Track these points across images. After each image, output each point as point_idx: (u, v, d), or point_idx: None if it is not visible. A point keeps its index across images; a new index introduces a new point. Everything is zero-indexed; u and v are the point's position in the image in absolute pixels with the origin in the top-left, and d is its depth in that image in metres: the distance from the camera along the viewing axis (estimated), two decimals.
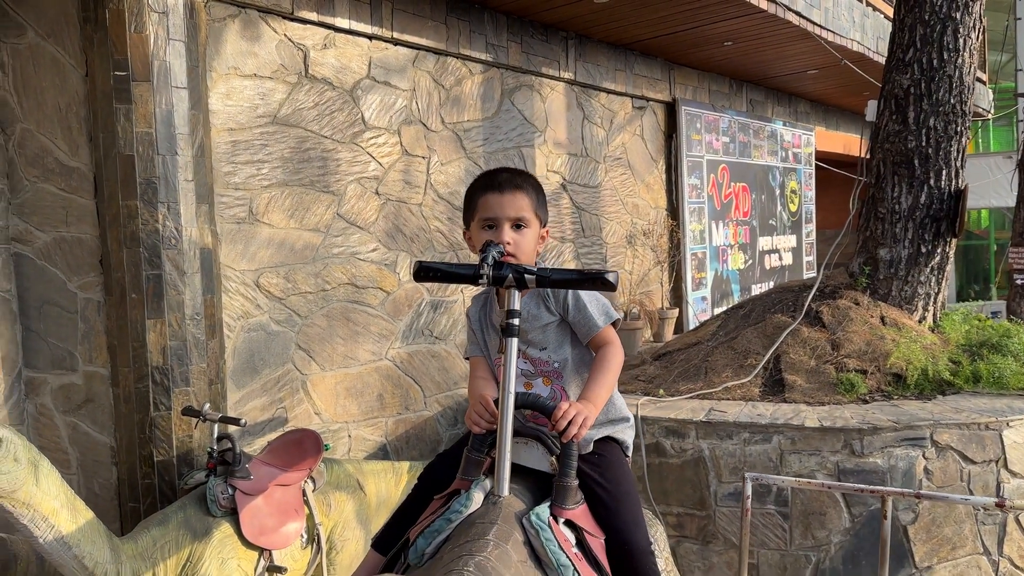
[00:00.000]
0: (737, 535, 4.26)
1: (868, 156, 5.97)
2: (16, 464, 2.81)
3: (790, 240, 11.20)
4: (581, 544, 1.55)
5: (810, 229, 11.87)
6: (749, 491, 2.12)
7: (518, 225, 1.76)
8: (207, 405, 3.85)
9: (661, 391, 5.27)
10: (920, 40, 5.53)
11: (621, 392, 5.52)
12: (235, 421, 3.64)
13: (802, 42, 7.69)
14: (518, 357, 1.75)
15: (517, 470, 1.66)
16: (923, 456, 4.04)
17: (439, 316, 5.65)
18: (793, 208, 11.26)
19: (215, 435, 3.68)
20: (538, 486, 1.65)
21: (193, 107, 4.07)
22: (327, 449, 4.02)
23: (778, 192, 10.75)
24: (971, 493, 4.10)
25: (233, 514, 3.50)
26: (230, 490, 3.51)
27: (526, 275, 1.56)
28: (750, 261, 10.12)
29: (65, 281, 4.12)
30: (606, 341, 1.79)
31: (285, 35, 4.64)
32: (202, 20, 4.18)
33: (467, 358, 1.99)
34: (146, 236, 3.96)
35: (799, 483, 2.49)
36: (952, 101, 5.51)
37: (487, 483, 1.57)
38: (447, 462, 1.71)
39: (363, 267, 5.12)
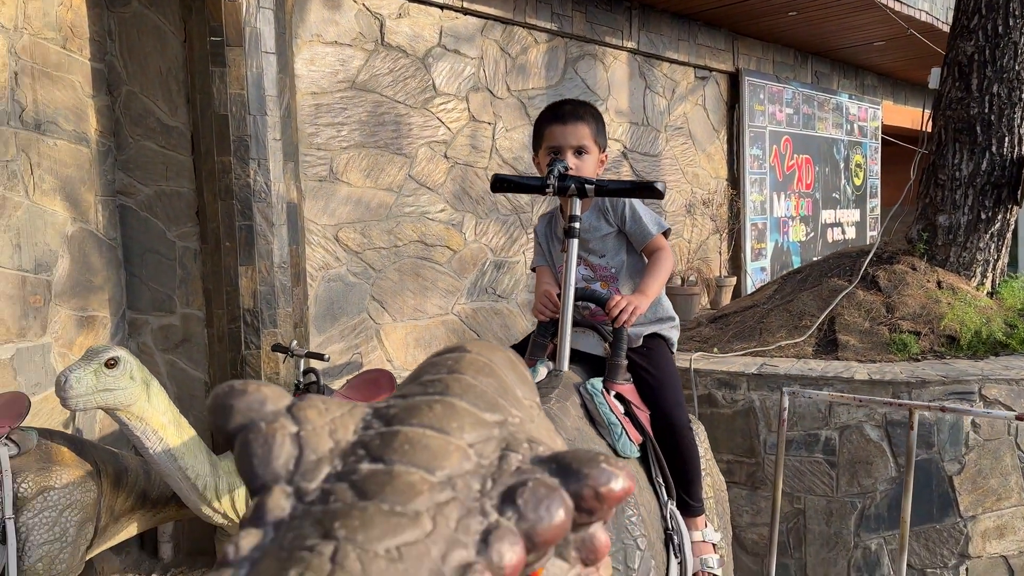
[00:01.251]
0: (786, 481, 4.45)
1: (930, 127, 6.00)
2: (132, 381, 3.19)
3: (854, 214, 11.14)
4: (629, 414, 1.81)
5: (875, 204, 11.77)
6: (786, 403, 2.34)
7: (579, 151, 2.01)
8: (294, 342, 4.21)
9: (715, 350, 5.46)
10: (985, 6, 5.54)
11: (677, 350, 5.72)
12: (320, 356, 3.99)
13: (868, 12, 7.68)
14: (580, 264, 2.02)
15: (576, 355, 1.92)
16: None
17: (502, 275, 5.93)
18: (858, 182, 11.19)
19: (301, 370, 4.04)
20: (593, 368, 1.91)
21: (280, 71, 4.41)
22: None
23: (842, 165, 10.70)
24: (1018, 448, 4.21)
25: None
26: None
27: (586, 184, 1.82)
28: (812, 234, 10.13)
29: (165, 231, 4.52)
30: (658, 247, 2.05)
31: (363, 5, 4.94)
32: None
33: (533, 269, 2.26)
34: (239, 190, 4.32)
35: (831, 396, 2.69)
36: (1016, 68, 5.51)
37: (550, 363, 1.84)
38: (520, 348, 1.99)
39: (432, 226, 5.42)
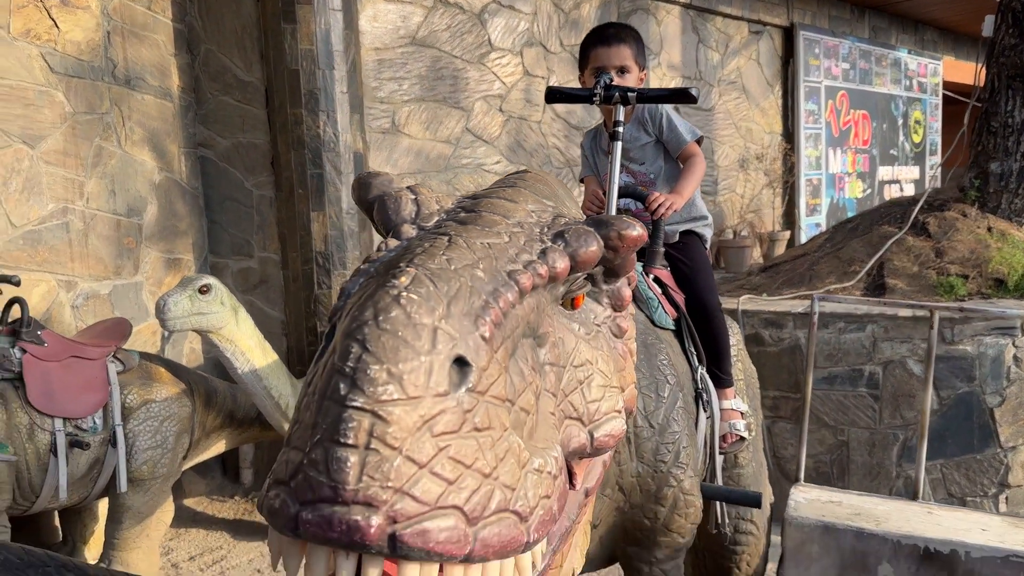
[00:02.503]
0: (830, 415, 4.63)
1: (983, 70, 6.00)
2: (222, 306, 3.54)
3: (912, 171, 11.03)
4: (666, 294, 2.05)
5: (935, 161, 11.61)
6: (816, 308, 2.55)
7: (622, 70, 2.23)
8: None
9: (765, 295, 5.62)
10: None
11: (725, 296, 5.88)
12: None
13: None
14: (622, 171, 2.25)
15: None
16: (1013, 344, 4.27)
17: None
18: (917, 139, 11.06)
19: None
20: (637, 258, 2.15)
21: (347, 27, 4.68)
22: None
23: (900, 122, 10.59)
24: None
25: None
26: None
27: (628, 92, 2.05)
28: (868, 190, 10.09)
29: (242, 180, 4.87)
30: (692, 153, 2.27)
31: None
32: None
33: (581, 180, 2.51)
34: (309, 140, 4.63)
35: (858, 302, 2.89)
36: None
37: None
38: None
39: (488, 178, 5.67)
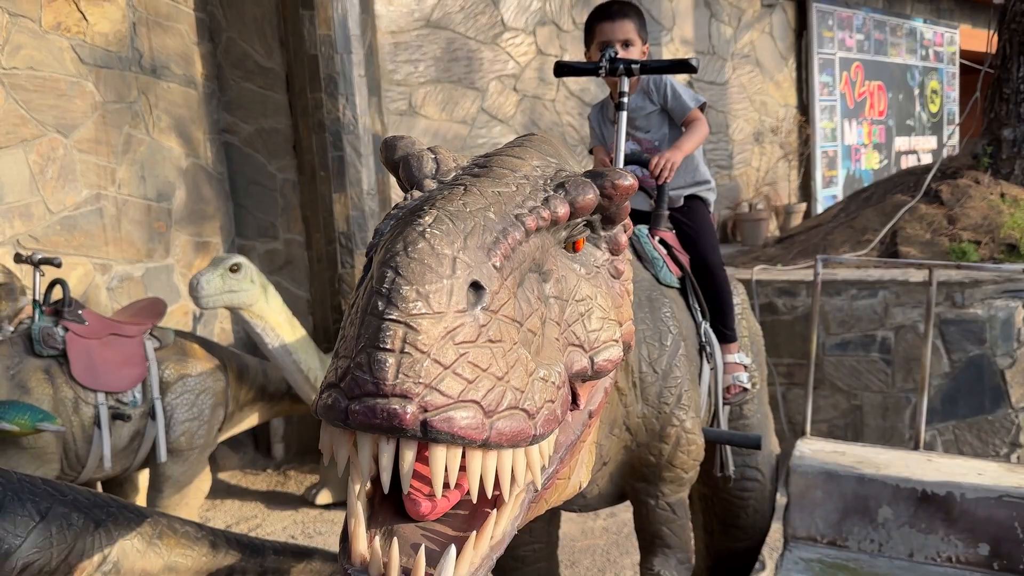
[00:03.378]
0: (843, 380, 4.73)
1: (995, 37, 6.02)
2: (252, 284, 3.70)
3: (930, 141, 11.00)
4: (671, 254, 2.17)
5: (952, 130, 11.56)
6: (820, 268, 2.65)
7: (625, 44, 2.34)
8: None
9: (779, 266, 5.71)
10: None
11: (740, 268, 5.96)
12: None
13: None
14: (628, 140, 2.37)
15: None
16: (1023, 307, 4.34)
17: None
18: (934, 109, 11.01)
19: None
20: (642, 220, 2.27)
21: (363, 11, 4.80)
22: None
23: (917, 92, 10.55)
24: None
25: None
26: None
27: (632, 65, 2.17)
28: (885, 161, 10.09)
29: (266, 164, 5.02)
30: (695, 118, 2.39)
31: None
32: None
33: (590, 150, 2.64)
34: (330, 123, 4.77)
35: (859, 261, 2.97)
36: None
37: None
38: None
39: None
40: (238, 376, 3.92)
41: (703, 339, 2.07)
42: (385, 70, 5.08)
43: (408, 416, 0.79)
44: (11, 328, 3.21)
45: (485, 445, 0.82)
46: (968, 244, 5.20)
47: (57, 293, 3.38)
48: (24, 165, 3.90)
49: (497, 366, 0.83)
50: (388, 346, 0.80)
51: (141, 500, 3.87)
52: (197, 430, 3.60)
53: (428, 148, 1.06)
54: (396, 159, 1.06)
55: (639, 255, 2.06)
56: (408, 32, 5.18)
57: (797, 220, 8.04)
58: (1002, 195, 5.64)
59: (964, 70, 11.41)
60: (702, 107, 2.42)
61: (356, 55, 4.77)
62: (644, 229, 2.17)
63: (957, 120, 11.61)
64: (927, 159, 10.92)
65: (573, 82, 6.19)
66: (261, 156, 5.03)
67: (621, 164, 2.12)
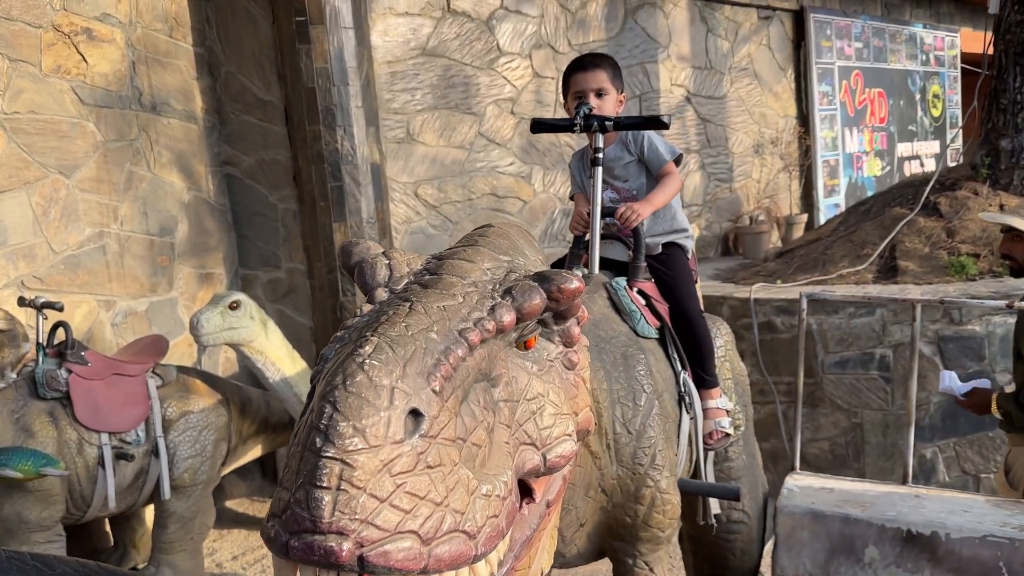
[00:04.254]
0: (843, 398, 4.74)
1: (991, 48, 6.03)
2: (252, 320, 3.76)
3: (933, 146, 10.97)
4: (649, 305, 2.21)
5: (955, 134, 11.53)
6: (805, 304, 2.68)
7: (600, 94, 2.39)
8: None
9: (779, 281, 5.73)
10: None
11: (740, 284, 5.99)
12: None
13: None
14: (607, 188, 2.42)
15: (606, 263, 2.33)
16: None
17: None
18: (936, 113, 10.99)
19: None
20: (620, 272, 2.31)
21: (359, 44, 4.86)
22: None
23: (918, 97, 10.54)
24: None
25: None
26: None
27: (605, 121, 2.21)
28: (888, 168, 10.08)
29: (267, 195, 5.08)
30: (668, 172, 2.43)
31: None
32: None
33: (571, 197, 2.68)
34: (328, 154, 4.83)
35: (845, 297, 2.98)
36: None
37: (584, 268, 2.25)
38: (561, 263, 2.42)
39: (502, 179, 5.84)
40: (241, 410, 3.98)
41: (682, 389, 2.11)
42: (382, 99, 5.14)
43: (344, 553, 0.83)
44: (14, 374, 3.28)
45: (425, 572, 0.86)
46: (967, 258, 5.21)
47: (60, 336, 3.44)
48: (27, 207, 3.97)
49: (436, 491, 0.86)
50: (325, 484, 0.83)
51: (147, 534, 3.93)
52: (200, 466, 3.65)
53: (383, 252, 1.10)
54: (352, 265, 1.11)
55: (617, 308, 2.11)
56: (404, 61, 5.24)
57: (799, 231, 8.05)
58: (1001, 207, 5.63)
59: (966, 72, 11.39)
60: (678, 159, 2.47)
61: (353, 86, 4.83)
62: (622, 281, 2.21)
63: (960, 123, 11.59)
64: (930, 164, 10.90)
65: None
66: (262, 187, 5.09)
67: (598, 219, 2.16)
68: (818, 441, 4.85)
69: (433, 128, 5.41)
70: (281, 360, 3.88)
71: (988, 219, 3.17)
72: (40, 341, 3.37)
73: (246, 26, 4.92)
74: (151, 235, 4.61)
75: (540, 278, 1.03)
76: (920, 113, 10.61)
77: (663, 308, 2.24)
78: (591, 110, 2.27)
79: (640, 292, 2.20)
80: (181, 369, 3.83)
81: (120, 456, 3.39)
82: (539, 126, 2.34)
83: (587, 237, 2.26)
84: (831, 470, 4.86)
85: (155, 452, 3.51)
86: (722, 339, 2.50)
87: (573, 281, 1.02)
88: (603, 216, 2.24)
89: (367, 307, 1.01)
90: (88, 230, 4.26)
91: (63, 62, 4.16)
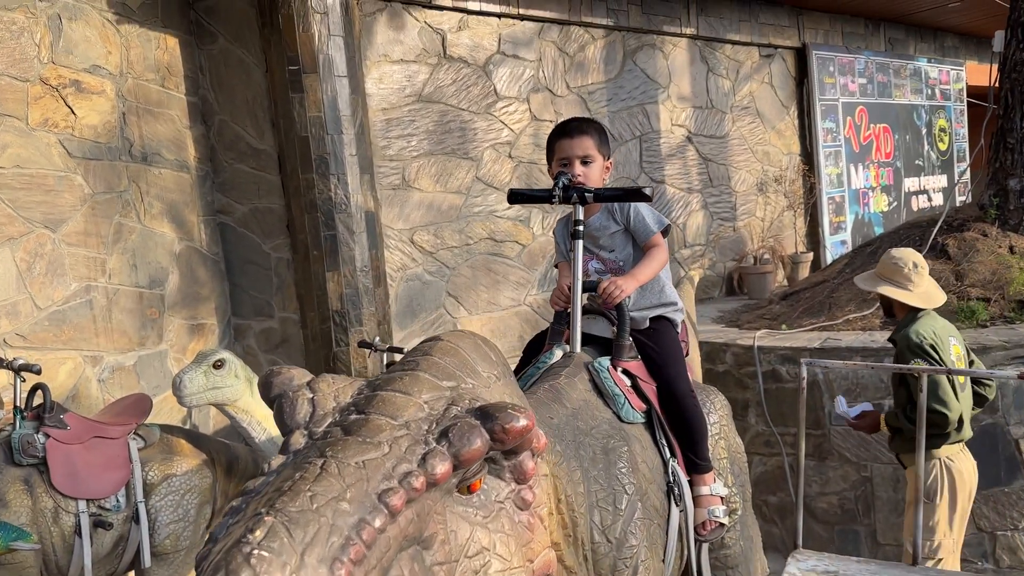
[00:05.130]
0: (852, 451, 4.59)
1: (997, 86, 5.94)
2: (236, 379, 3.65)
3: (940, 180, 10.86)
4: (635, 387, 2.08)
5: (963, 168, 11.42)
6: (804, 373, 2.55)
7: (585, 161, 2.29)
8: (377, 339, 4.61)
9: (784, 326, 5.59)
10: None
11: (745, 328, 5.86)
12: (399, 350, 4.37)
13: None
14: (592, 258, 2.31)
15: (590, 339, 2.21)
16: None
17: None
18: (943, 147, 10.89)
19: (384, 363, 4.43)
20: (605, 349, 2.19)
21: (353, 92, 4.81)
22: None
23: (924, 131, 10.45)
24: None
25: None
26: None
27: (585, 193, 2.11)
28: (895, 203, 9.96)
29: (260, 243, 5.01)
30: (655, 244, 2.31)
31: (425, 22, 5.30)
32: (356, 16, 4.89)
33: (555, 265, 2.58)
34: (322, 203, 4.75)
35: (846, 365, 2.84)
36: None
37: (566, 346, 2.14)
38: (543, 336, 2.30)
39: (500, 223, 5.75)
40: (227, 469, 3.85)
41: (671, 479, 1.98)
42: (377, 146, 5.08)
43: None
44: None
45: None
46: (977, 303, 5.07)
47: (39, 398, 3.34)
48: (11, 263, 3.89)
49: None
50: None
51: None
52: (183, 532, 3.52)
53: (307, 383, 0.98)
54: (272, 399, 0.99)
55: (599, 391, 1.99)
56: (400, 108, 5.19)
57: (805, 270, 7.92)
58: (1011, 248, 5.51)
59: (973, 104, 11.30)
60: (666, 230, 2.36)
61: (347, 135, 4.77)
62: (605, 361, 2.09)
63: (968, 157, 11.48)
64: (938, 198, 10.79)
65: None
66: (256, 236, 5.02)
67: (579, 295, 2.06)
68: (826, 495, 4.68)
69: (429, 174, 5.34)
70: (267, 419, 3.76)
71: (861, 286, 3.57)
72: (17, 404, 3.27)
73: (239, 75, 4.88)
74: (140, 287, 4.53)
75: (483, 415, 0.89)
76: (927, 147, 10.52)
77: (650, 388, 2.11)
78: (571, 180, 2.17)
79: (625, 372, 2.08)
80: (165, 428, 3.72)
81: (98, 524, 3.26)
82: (516, 197, 2.25)
83: (570, 311, 2.15)
84: (840, 525, 4.69)
85: (135, 518, 3.39)
86: (716, 414, 2.37)
87: (520, 419, 0.89)
88: (586, 290, 2.13)
89: (276, 460, 0.89)
90: (74, 285, 4.18)
91: (51, 115, 4.10)
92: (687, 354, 2.37)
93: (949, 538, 3.39)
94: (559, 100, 6.09)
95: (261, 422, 3.76)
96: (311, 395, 0.95)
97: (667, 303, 2.35)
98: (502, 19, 5.71)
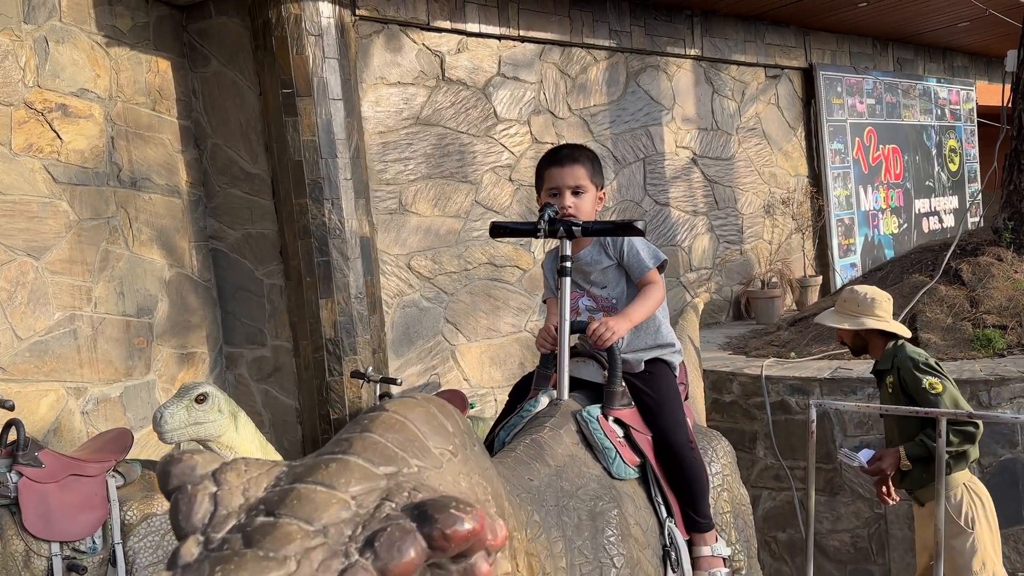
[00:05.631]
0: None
1: (1010, 106, 5.79)
2: (220, 414, 3.50)
3: (951, 201, 10.68)
4: (628, 438, 1.92)
5: (974, 188, 11.24)
6: (814, 415, 2.38)
7: (577, 191, 2.14)
8: (370, 368, 4.47)
9: (793, 354, 5.42)
10: None
11: (753, 356, 5.69)
12: (392, 381, 4.23)
13: None
14: (583, 295, 2.15)
15: (579, 383, 2.05)
16: None
17: None
18: (953, 168, 10.73)
19: (377, 394, 4.29)
20: (597, 395, 2.03)
21: (348, 115, 4.70)
22: (472, 407, 4.53)
23: (934, 152, 10.29)
24: None
25: None
26: None
27: (572, 226, 1.96)
28: (905, 225, 9.79)
29: (253, 270, 4.88)
30: (650, 280, 2.14)
31: (423, 44, 5.19)
32: (351, 38, 4.79)
33: (544, 301, 2.41)
34: (315, 228, 4.63)
35: (859, 407, 2.64)
36: None
37: (553, 392, 1.98)
38: (529, 380, 2.14)
39: (500, 248, 5.61)
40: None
41: (667, 541, 1.82)
42: (373, 170, 4.96)
43: None
44: None
45: None
46: (993, 331, 4.89)
47: (13, 435, 3.20)
48: None
49: None
50: None
51: None
52: None
53: (212, 474, 0.81)
54: (168, 491, 0.82)
55: (589, 444, 1.83)
56: (397, 131, 5.07)
57: (814, 294, 7.75)
58: None
59: (984, 124, 11.14)
60: (662, 266, 2.19)
61: (341, 158, 4.65)
62: (595, 410, 1.93)
63: (979, 177, 11.31)
64: (949, 220, 10.60)
65: None
66: (248, 262, 4.89)
67: (567, 337, 1.90)
68: (838, 532, 4.49)
69: (427, 198, 5.21)
70: (252, 455, 3.61)
71: (835, 324, 3.51)
72: None
73: (233, 98, 4.78)
74: (127, 316, 4.40)
75: (420, 516, 0.73)
76: (937, 168, 10.35)
77: (645, 439, 1.95)
78: (557, 213, 2.02)
79: (617, 421, 1.92)
80: (146, 464, 3.57)
81: (72, 568, 3.11)
82: (499, 230, 2.11)
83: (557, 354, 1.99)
84: (853, 564, 4.50)
85: (112, 560, 3.23)
86: (719, 462, 2.20)
87: (465, 521, 0.73)
88: (575, 331, 1.98)
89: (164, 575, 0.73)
90: (57, 314, 4.05)
91: (35, 140, 4.00)
92: (687, 397, 2.21)
93: (997, 563, 3.25)
94: (560, 122, 5.97)
95: None
96: (214, 489, 0.78)
97: (664, 344, 2.18)
98: (502, 41, 5.60)
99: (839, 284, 8.38)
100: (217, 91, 4.83)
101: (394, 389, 4.54)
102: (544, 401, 1.94)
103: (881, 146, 9.32)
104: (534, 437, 1.72)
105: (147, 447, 4.32)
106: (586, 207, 2.15)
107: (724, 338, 6.51)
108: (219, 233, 4.95)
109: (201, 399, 3.44)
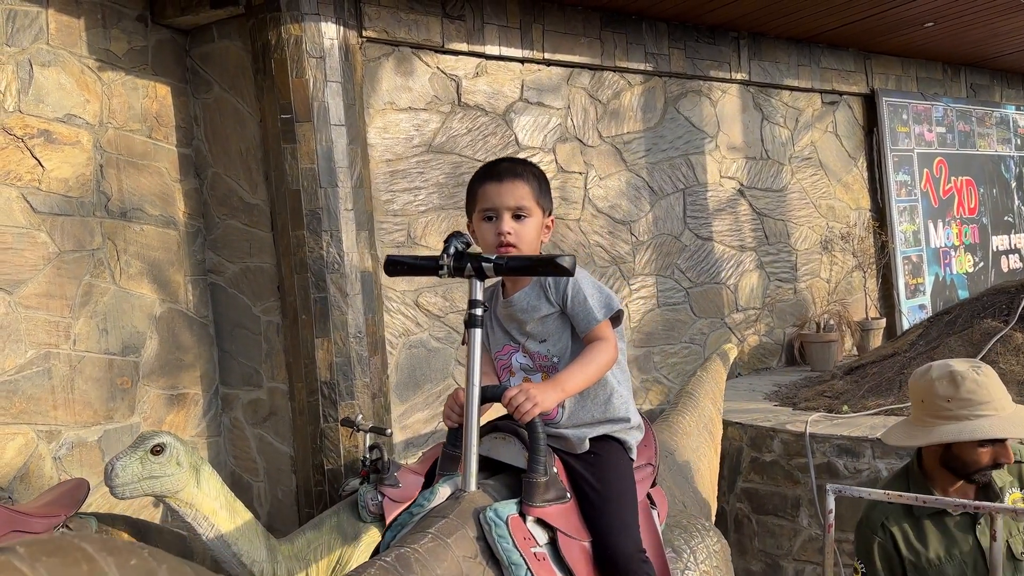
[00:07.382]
0: None
1: None
2: (179, 467, 3.16)
3: None
4: (554, 548, 1.46)
5: None
6: (831, 505, 1.88)
7: (518, 215, 1.73)
8: (359, 416, 4.09)
9: (845, 407, 4.85)
10: None
11: (803, 408, 5.13)
12: (381, 431, 3.84)
13: (1018, 15, 6.80)
14: (518, 351, 1.72)
15: (502, 466, 1.62)
16: None
17: None
18: None
19: (367, 444, 3.90)
20: (519, 483, 1.59)
21: (351, 142, 4.39)
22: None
23: (1014, 184, 9.52)
24: None
25: (381, 520, 3.68)
26: (379, 496, 3.69)
27: (483, 263, 1.54)
28: (981, 263, 9.02)
29: (250, 306, 4.58)
30: (599, 336, 1.67)
31: (437, 67, 4.88)
32: (357, 61, 4.50)
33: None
34: (312, 262, 4.31)
35: (887, 495, 2.06)
36: None
37: (459, 479, 1.54)
38: (429, 475, 1.71)
39: None
40: (173, 570, 3.35)
41: None
42: (379, 201, 4.63)
43: None
44: None
45: None
46: None
47: None
48: None
49: None
50: None
51: None
52: None
53: None
54: None
55: (494, 557, 1.38)
56: (407, 159, 4.75)
57: (877, 339, 7.09)
58: None
59: None
60: (616, 317, 1.73)
61: (342, 188, 4.34)
62: (507, 509, 1.48)
63: None
64: None
65: (601, 199, 5.62)
66: (246, 297, 4.60)
67: (476, 405, 1.49)
68: None
69: (438, 230, 4.86)
70: (215, 514, 3.25)
71: (909, 443, 2.36)
72: None
73: (233, 124, 4.53)
74: (110, 354, 4.14)
75: None
76: (1017, 202, 9.56)
77: (579, 548, 1.49)
78: (467, 246, 1.62)
79: (541, 523, 1.47)
80: (104, 519, 3.26)
81: None
82: (395, 267, 1.71)
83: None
84: None
85: None
86: (698, 570, 1.70)
87: None
88: (487, 399, 1.55)
89: None
90: (30, 352, 3.80)
91: (14, 167, 3.79)
92: (654, 483, 1.74)
93: None
94: (590, 150, 5.56)
95: (208, 517, 3.25)
96: None
97: (615, 419, 1.71)
98: (525, 64, 5.25)
99: (906, 327, 7.70)
100: (219, 118, 4.59)
101: (383, 440, 4.15)
102: (443, 493, 1.51)
103: (953, 178, 8.63)
104: (401, 552, 1.29)
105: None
106: (529, 235, 1.74)
107: (772, 386, 5.95)
108: (217, 266, 4.68)
109: (157, 450, 3.10)
